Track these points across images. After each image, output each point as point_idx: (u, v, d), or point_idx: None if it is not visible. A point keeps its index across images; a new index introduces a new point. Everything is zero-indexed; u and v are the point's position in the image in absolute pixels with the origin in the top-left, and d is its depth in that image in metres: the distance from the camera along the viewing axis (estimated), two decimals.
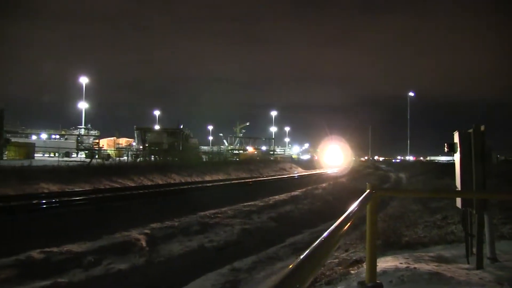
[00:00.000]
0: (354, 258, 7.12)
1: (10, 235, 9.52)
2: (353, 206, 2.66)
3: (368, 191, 3.61)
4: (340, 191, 24.31)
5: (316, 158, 60.23)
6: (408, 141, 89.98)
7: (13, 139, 49.26)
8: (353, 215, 2.45)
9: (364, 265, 4.85)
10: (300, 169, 52.69)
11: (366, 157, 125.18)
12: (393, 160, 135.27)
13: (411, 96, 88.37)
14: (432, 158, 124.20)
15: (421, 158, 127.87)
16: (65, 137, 65.53)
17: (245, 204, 17.08)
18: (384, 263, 5.87)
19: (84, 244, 9.53)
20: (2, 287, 6.75)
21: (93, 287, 7.39)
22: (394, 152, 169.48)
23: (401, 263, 5.71)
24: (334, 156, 65.39)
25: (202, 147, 76.67)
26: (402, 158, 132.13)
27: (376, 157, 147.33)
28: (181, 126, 57.07)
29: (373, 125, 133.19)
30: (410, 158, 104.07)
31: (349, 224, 2.23)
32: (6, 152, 42.35)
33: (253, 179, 31.91)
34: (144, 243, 9.82)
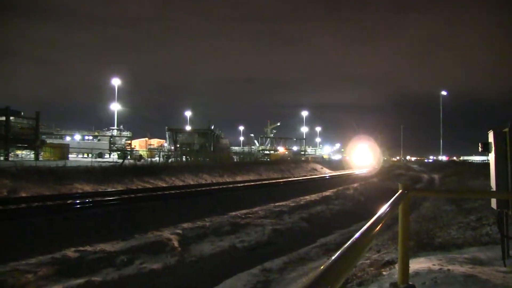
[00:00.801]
0: (386, 259, 7.01)
1: (46, 234, 9.81)
2: (385, 206, 2.63)
3: (400, 191, 3.56)
4: (371, 191, 24.02)
5: (347, 158, 58.91)
6: (441, 140, 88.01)
7: (48, 140, 50.72)
8: (385, 216, 2.42)
9: (396, 266, 4.77)
10: (331, 170, 52.21)
11: (397, 157, 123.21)
12: (426, 160, 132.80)
13: (443, 95, 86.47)
14: (466, 158, 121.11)
15: (454, 158, 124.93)
16: (98, 138, 67.01)
17: (276, 204, 17.07)
18: (417, 264, 5.76)
19: (117, 243, 9.73)
20: (39, 284, 6.95)
21: (125, 286, 7.52)
22: (427, 152, 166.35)
23: (434, 265, 5.59)
24: (365, 156, 64.05)
25: (233, 147, 77.02)
26: (435, 158, 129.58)
27: (408, 157, 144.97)
28: (212, 127, 57.50)
29: (405, 125, 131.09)
30: (443, 158, 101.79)
31: (381, 225, 2.20)
32: (42, 153, 43.66)
33: (284, 180, 31.85)
34: (175, 243, 9.94)
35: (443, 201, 14.75)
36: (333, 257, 1.45)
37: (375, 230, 2.08)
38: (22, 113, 44.08)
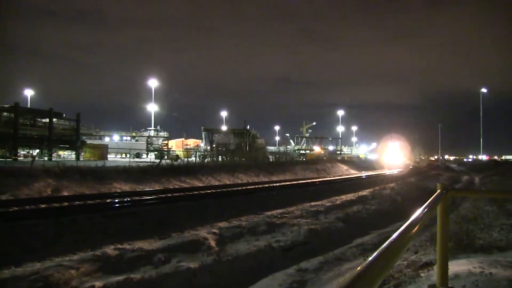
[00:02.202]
0: (424, 260, 6.86)
1: (87, 232, 10.11)
2: (423, 207, 2.58)
3: (438, 191, 3.49)
4: (409, 191, 23.54)
5: (383, 157, 57.36)
6: (481, 139, 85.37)
7: (88, 141, 52.14)
8: (423, 216, 2.38)
9: (435, 268, 4.66)
10: (367, 169, 51.44)
11: (435, 157, 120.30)
12: (465, 160, 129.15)
13: (483, 92, 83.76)
14: (508, 157, 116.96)
15: (496, 157, 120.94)
16: (136, 138, 68.34)
17: (312, 204, 16.99)
18: (456, 266, 5.60)
19: (154, 242, 9.92)
20: (82, 280, 7.18)
21: (163, 284, 7.66)
22: (466, 151, 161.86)
23: (475, 267, 5.42)
24: (402, 156, 62.25)
25: (268, 147, 77.07)
26: (474, 157, 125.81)
27: (446, 157, 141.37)
28: (248, 127, 57.73)
29: (443, 123, 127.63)
30: (483, 157, 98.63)
31: (418, 225, 2.17)
32: (82, 154, 44.93)
33: (320, 179, 31.66)
34: (212, 242, 10.04)
35: (484, 201, 14.29)
36: (370, 258, 1.45)
37: (413, 231, 2.05)
38: (64, 115, 45.52)
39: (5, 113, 38.21)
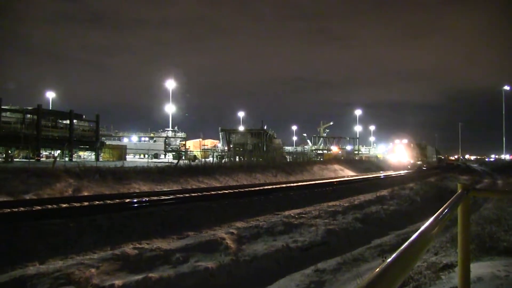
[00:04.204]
0: (444, 262, 6.76)
1: (106, 231, 10.25)
2: (443, 207, 2.55)
3: (459, 191, 3.43)
4: (428, 191, 23.24)
5: (401, 157, 55.20)
6: (503, 138, 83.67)
7: (107, 142, 52.81)
8: (443, 217, 2.35)
9: (456, 270, 4.59)
10: (385, 169, 50.91)
11: (456, 156, 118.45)
12: (486, 159, 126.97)
13: (506, 90, 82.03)
14: None
15: None
16: (154, 139, 68.87)
17: (330, 204, 16.92)
18: (479, 269, 5.50)
19: (172, 241, 10.00)
20: (102, 279, 7.27)
21: (181, 284, 7.71)
22: (488, 151, 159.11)
23: (499, 271, 5.31)
24: (421, 156, 59.66)
25: (286, 147, 76.93)
26: (497, 156, 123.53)
27: (467, 156, 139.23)
28: (265, 127, 57.69)
29: (464, 122, 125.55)
30: (506, 156, 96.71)
31: (439, 226, 2.14)
32: (101, 154, 45.52)
33: (338, 179, 31.50)
34: (229, 242, 10.07)
35: (507, 202, 14.04)
36: (389, 259, 1.43)
37: (433, 232, 2.03)
38: (84, 116, 46.20)
39: (28, 115, 38.96)
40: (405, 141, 56.92)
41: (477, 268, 5.49)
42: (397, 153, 55.65)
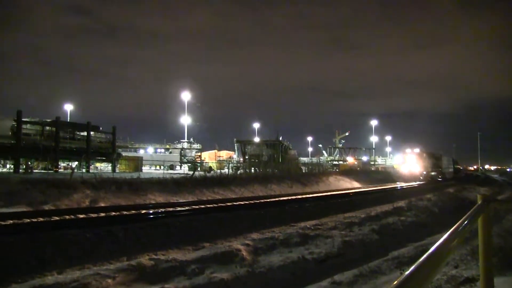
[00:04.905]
0: (465, 275, 6.64)
1: (122, 242, 10.31)
2: (463, 219, 2.51)
3: (479, 202, 3.38)
4: (446, 202, 22.93)
5: (417, 168, 51.63)
6: None
7: (123, 153, 53.24)
8: (463, 229, 2.32)
9: (478, 284, 4.49)
10: (403, 180, 50.16)
11: (475, 166, 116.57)
12: (508, 169, 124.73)
13: None
14: None
15: None
16: (170, 150, 69.28)
17: (346, 215, 16.78)
18: (504, 284, 5.36)
19: (188, 253, 10.00)
20: None
21: None
22: (509, 161, 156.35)
23: None
24: (435, 166, 56.06)
25: (301, 158, 76.69)
26: None
27: (486, 166, 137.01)
28: (280, 138, 57.62)
29: (483, 132, 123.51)
30: None
31: (458, 238, 2.11)
32: (118, 166, 45.91)
33: (354, 190, 31.26)
34: (245, 254, 10.03)
35: None
36: (407, 272, 1.42)
37: (452, 244, 2.00)
38: (101, 128, 46.75)
39: (47, 127, 39.59)
40: (416, 150, 53.25)
41: (502, 283, 5.35)
42: (409, 164, 51.45)
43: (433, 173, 52.04)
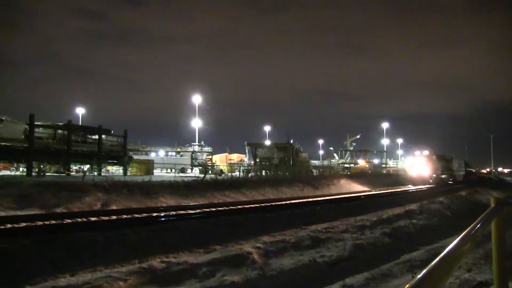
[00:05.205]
0: (478, 279, 6.57)
1: (134, 245, 10.35)
2: (476, 222, 2.49)
3: (492, 205, 3.35)
4: (459, 205, 22.71)
5: (423, 170, 49.90)
6: None
7: (135, 157, 53.55)
8: (476, 232, 2.29)
9: None
10: (414, 183, 49.76)
11: (487, 169, 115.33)
12: None
13: None
14: None
15: None
16: (181, 154, 69.51)
17: (358, 218, 16.69)
18: None
19: (199, 255, 10.02)
20: None
21: None
22: None
23: None
24: (446, 168, 54.58)
25: (312, 161, 76.52)
26: None
27: (499, 169, 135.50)
28: (291, 141, 57.55)
29: (496, 134, 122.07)
30: None
31: (471, 242, 2.09)
32: (129, 169, 46.18)
33: (366, 193, 31.09)
34: (256, 257, 10.02)
35: None
36: (419, 275, 1.41)
37: (465, 247, 1.98)
38: (112, 132, 47.08)
39: (59, 131, 39.99)
40: (426, 152, 51.57)
41: None
42: (417, 166, 49.91)
43: (443, 176, 50.85)
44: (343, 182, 41.03)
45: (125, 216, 14.20)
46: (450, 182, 50.58)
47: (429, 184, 44.77)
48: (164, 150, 72.23)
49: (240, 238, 12.13)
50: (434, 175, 48.28)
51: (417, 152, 51.49)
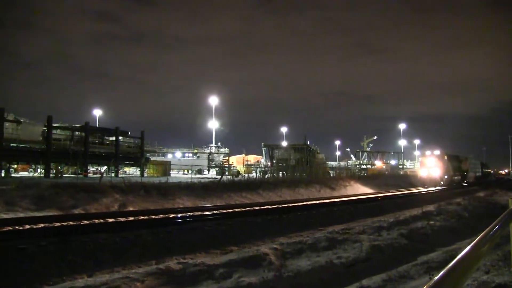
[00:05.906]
0: (497, 281, 6.46)
1: (151, 246, 10.42)
2: (494, 223, 2.46)
3: (511, 207, 3.30)
4: (477, 207, 22.36)
5: (434, 171, 46.16)
6: None
7: (151, 158, 53.87)
8: (494, 234, 2.27)
9: None
10: (420, 184, 48.36)
11: (506, 170, 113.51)
12: None
13: None
14: None
15: None
16: (197, 155, 69.64)
17: (374, 219, 16.58)
18: None
19: (216, 256, 10.04)
20: None
21: None
22: None
23: None
24: (459, 169, 51.89)
25: (329, 162, 76.21)
26: None
27: None
28: (308, 142, 57.37)
29: None
30: None
31: (489, 243, 2.07)
32: (146, 170, 46.47)
33: (383, 194, 30.85)
34: (272, 258, 10.02)
35: None
36: (436, 277, 1.40)
37: (483, 249, 1.96)
38: (129, 133, 47.48)
39: (77, 132, 40.50)
40: (437, 152, 46.53)
41: None
42: (428, 167, 45.63)
43: (456, 177, 48.15)
44: (360, 183, 40.78)
45: (142, 217, 14.31)
46: (464, 184, 48.99)
47: (440, 186, 42.43)
48: (180, 151, 72.46)
49: (257, 239, 12.14)
50: (446, 176, 44.96)
51: (428, 152, 47.77)
